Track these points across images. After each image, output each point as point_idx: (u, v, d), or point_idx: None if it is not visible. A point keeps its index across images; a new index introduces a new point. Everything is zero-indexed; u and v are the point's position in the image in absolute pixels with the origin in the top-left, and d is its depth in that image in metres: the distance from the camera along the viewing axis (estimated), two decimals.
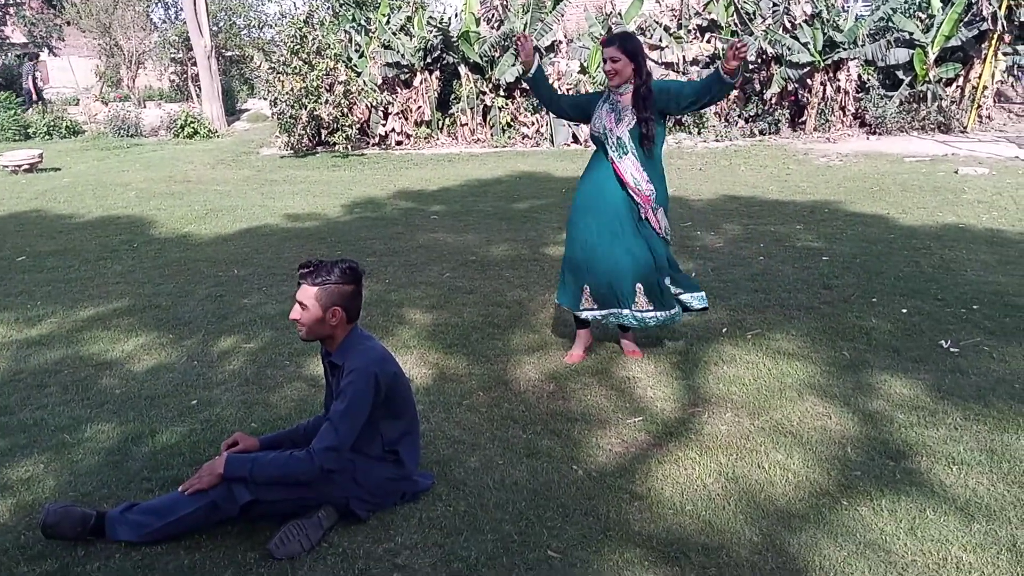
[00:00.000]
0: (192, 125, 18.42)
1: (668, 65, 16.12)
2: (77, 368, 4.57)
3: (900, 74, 15.07)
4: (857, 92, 15.34)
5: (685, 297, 4.41)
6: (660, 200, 4.22)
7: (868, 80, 15.22)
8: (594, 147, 4.35)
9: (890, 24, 14.94)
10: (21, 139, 18.76)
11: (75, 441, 3.66)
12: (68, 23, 27.75)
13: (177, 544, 2.81)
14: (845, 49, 14.74)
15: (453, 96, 15.99)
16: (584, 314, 4.40)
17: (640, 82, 4.11)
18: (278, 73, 14.77)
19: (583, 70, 15.84)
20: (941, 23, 14.45)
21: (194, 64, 21.51)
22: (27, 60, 25.08)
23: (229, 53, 25.12)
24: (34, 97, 22.70)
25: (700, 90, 4.11)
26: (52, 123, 19.31)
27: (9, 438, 3.70)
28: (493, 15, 16.93)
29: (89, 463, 3.45)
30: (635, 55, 4.11)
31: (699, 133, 15.68)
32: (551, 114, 14.73)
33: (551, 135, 15.38)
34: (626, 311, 4.28)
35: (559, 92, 4.66)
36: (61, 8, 26.84)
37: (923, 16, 15.27)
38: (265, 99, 17.05)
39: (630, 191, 4.16)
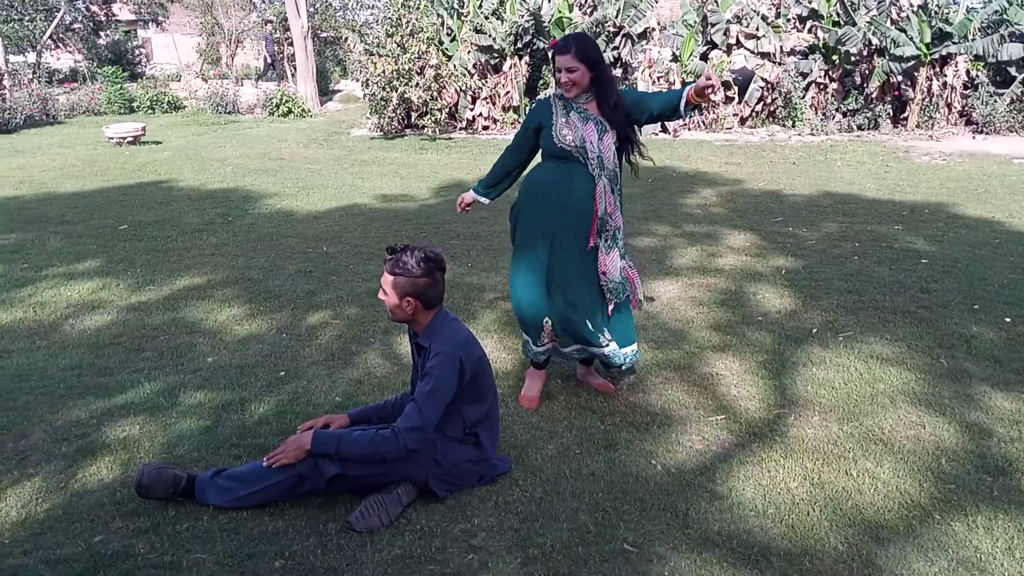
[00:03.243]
0: (287, 104, 18.87)
1: (764, 55, 15.69)
2: (173, 335, 4.75)
3: (1012, 71, 14.31)
4: (965, 89, 14.64)
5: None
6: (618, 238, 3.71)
7: (977, 76, 14.50)
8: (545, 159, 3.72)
9: (1004, 18, 14.18)
10: (126, 112, 19.57)
11: (169, 405, 3.80)
12: (172, 1, 28.79)
13: (262, 511, 2.89)
14: (954, 43, 14.08)
15: (541, 82, 15.94)
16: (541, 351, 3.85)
17: (605, 94, 3.57)
18: (371, 55, 14.98)
19: (675, 58, 15.57)
20: None
21: (290, 44, 22.00)
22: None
23: (324, 34, 25.64)
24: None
25: (663, 104, 3.58)
26: (155, 98, 20.06)
27: (108, 399, 3.87)
28: (586, 1, 16.78)
29: (181, 427, 3.58)
30: (595, 63, 3.54)
31: (793, 126, 15.24)
32: None
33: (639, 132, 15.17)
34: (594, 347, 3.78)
35: (504, 168, 3.93)
36: None
37: None
38: (358, 80, 17.32)
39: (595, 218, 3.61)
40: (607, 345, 3.77)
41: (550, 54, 3.73)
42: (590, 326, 3.70)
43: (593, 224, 3.61)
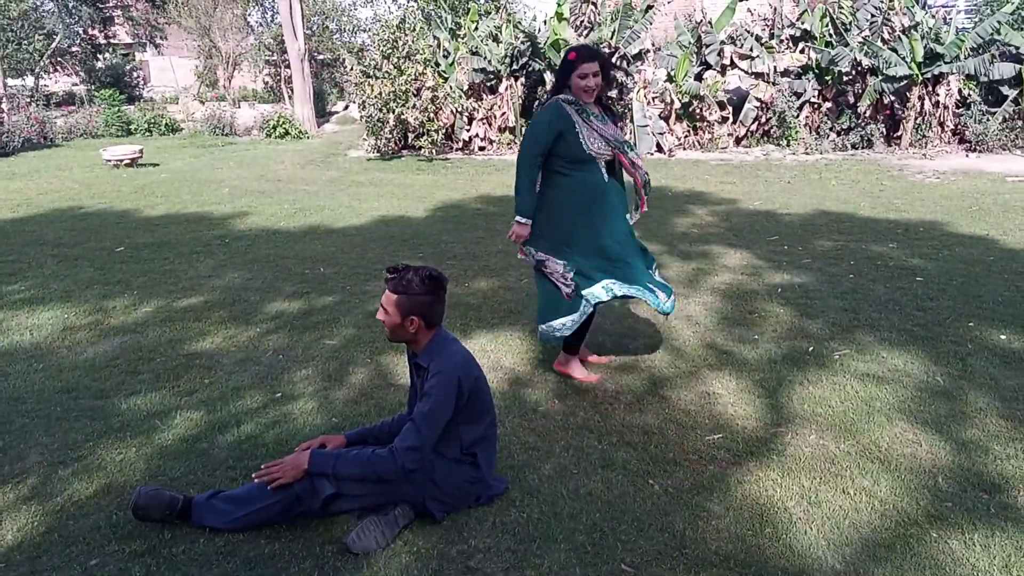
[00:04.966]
0: (284, 126, 18.96)
1: (758, 75, 15.82)
2: (169, 357, 4.75)
3: (1004, 89, 14.43)
4: (957, 107, 14.76)
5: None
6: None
7: (969, 95, 14.62)
8: (569, 170, 4.09)
9: (995, 37, 14.32)
10: (123, 135, 19.65)
11: (165, 427, 3.80)
12: (169, 23, 28.94)
13: (258, 533, 2.88)
14: (946, 63, 14.20)
15: (537, 103, 16.03)
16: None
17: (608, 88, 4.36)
18: (368, 77, 15.08)
19: (670, 79, 15.69)
20: None
21: (287, 67, 22.15)
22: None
23: (321, 57, 25.80)
24: None
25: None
26: (152, 120, 20.14)
27: (104, 421, 3.87)
28: (582, 22, 16.92)
29: (177, 449, 3.58)
30: (608, 73, 4.20)
31: (788, 145, 15.34)
32: (634, 126, 14.64)
33: (635, 143, 15.26)
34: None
35: (536, 183, 4.16)
36: (163, 8, 28.02)
37: None
38: (354, 103, 17.42)
39: (637, 183, 4.24)
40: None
41: (570, 59, 4.06)
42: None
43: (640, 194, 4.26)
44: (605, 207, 4.16)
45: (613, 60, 15.47)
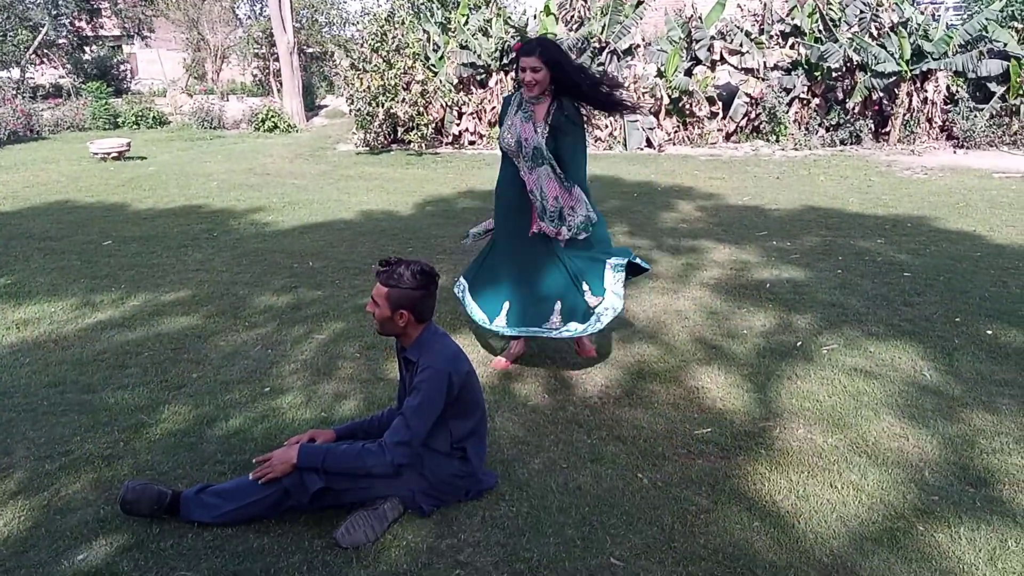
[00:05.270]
0: (272, 119, 18.86)
1: (748, 71, 15.85)
2: (156, 351, 4.73)
3: (992, 86, 14.51)
4: (945, 104, 14.83)
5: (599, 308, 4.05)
6: (577, 224, 4.04)
7: (957, 92, 14.69)
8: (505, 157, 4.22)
9: (983, 34, 14.39)
10: (111, 128, 19.49)
11: (153, 421, 3.78)
12: (157, 16, 28.70)
13: (247, 527, 2.87)
14: (934, 59, 14.26)
15: None
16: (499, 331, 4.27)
17: (559, 96, 3.98)
18: (357, 70, 15.01)
19: (660, 74, 15.69)
20: None
21: (276, 60, 22.03)
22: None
23: (310, 50, 25.67)
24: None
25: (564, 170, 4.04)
26: (140, 113, 19.99)
27: (92, 415, 3.84)
28: (572, 17, 16.90)
29: (165, 444, 3.56)
30: (557, 64, 3.92)
31: (777, 141, 15.38)
32: (623, 118, 14.64)
33: (624, 139, 15.28)
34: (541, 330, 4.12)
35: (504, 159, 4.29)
36: (151, 0, 27.77)
37: (1019, 27, 14.67)
38: (343, 96, 17.33)
39: (533, 206, 4.08)
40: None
41: (513, 55, 4.12)
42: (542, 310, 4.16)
43: (533, 212, 4.10)
44: (523, 215, 4.14)
45: (599, 59, 15.47)
